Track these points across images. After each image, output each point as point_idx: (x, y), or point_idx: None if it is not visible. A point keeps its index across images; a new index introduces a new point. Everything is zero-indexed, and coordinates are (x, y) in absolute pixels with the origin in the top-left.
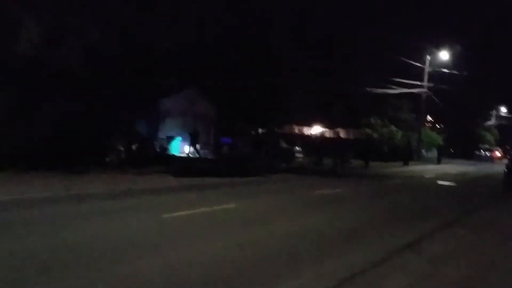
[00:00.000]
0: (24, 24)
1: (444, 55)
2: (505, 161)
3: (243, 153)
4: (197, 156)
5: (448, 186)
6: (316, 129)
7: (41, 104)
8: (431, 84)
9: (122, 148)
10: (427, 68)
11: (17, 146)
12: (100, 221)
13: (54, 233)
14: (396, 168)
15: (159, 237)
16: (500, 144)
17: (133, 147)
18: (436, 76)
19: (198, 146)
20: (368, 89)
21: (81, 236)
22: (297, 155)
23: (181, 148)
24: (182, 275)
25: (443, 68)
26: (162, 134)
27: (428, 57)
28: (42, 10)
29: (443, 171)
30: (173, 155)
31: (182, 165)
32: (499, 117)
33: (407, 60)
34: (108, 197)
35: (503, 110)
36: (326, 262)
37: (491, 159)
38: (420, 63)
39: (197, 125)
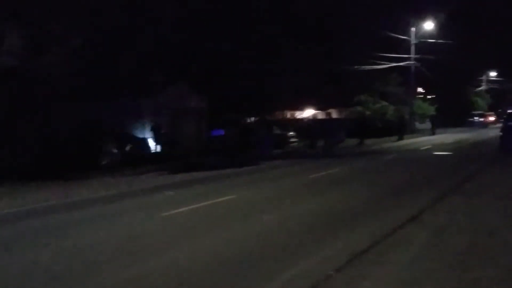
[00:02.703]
0: (5, 34)
1: (428, 25)
2: (499, 125)
3: (232, 144)
4: (152, 151)
5: (445, 155)
6: (308, 112)
7: (29, 114)
8: (419, 56)
9: (116, 150)
10: (413, 40)
11: (9, 158)
12: (99, 225)
13: (56, 241)
14: (391, 143)
15: (160, 237)
16: (492, 109)
17: (127, 148)
18: (423, 47)
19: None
20: (356, 67)
21: (81, 243)
22: (291, 140)
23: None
24: (185, 271)
25: (429, 38)
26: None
27: (413, 29)
28: (22, 20)
29: (438, 141)
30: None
31: (177, 162)
32: (490, 81)
33: (393, 34)
34: (106, 201)
35: (493, 74)
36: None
37: (484, 124)
38: (406, 36)
39: (189, 120)
